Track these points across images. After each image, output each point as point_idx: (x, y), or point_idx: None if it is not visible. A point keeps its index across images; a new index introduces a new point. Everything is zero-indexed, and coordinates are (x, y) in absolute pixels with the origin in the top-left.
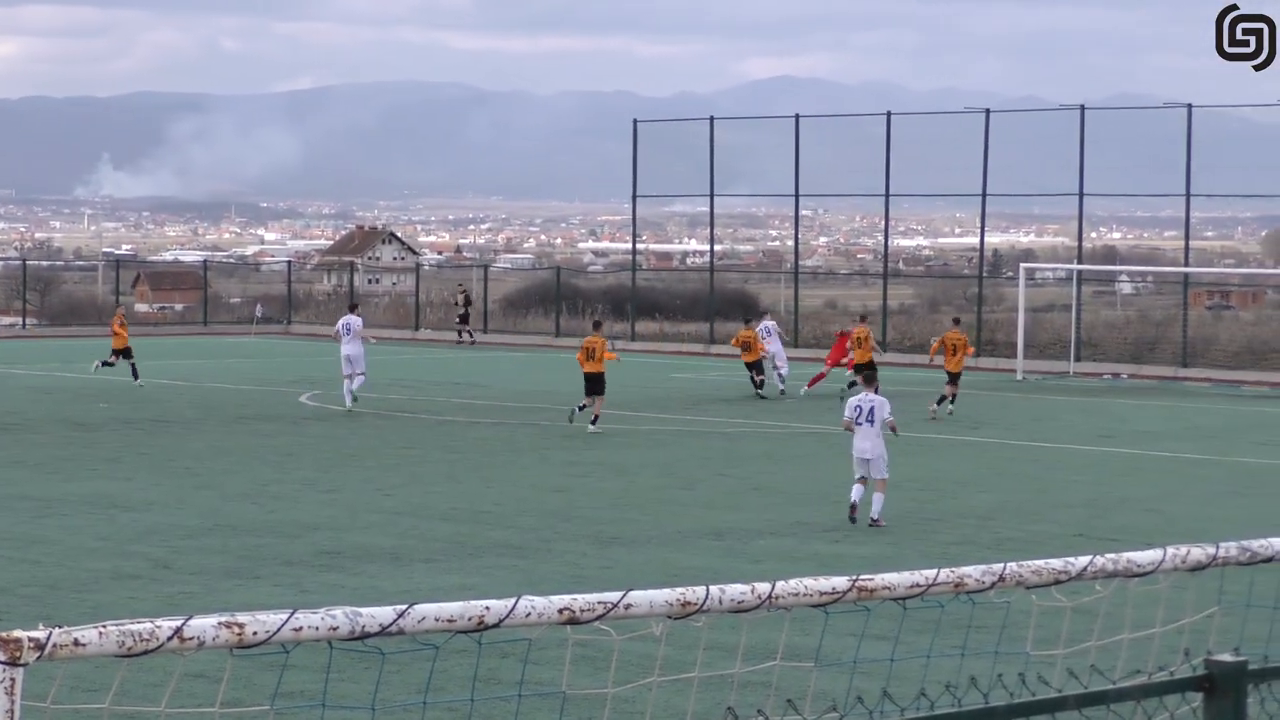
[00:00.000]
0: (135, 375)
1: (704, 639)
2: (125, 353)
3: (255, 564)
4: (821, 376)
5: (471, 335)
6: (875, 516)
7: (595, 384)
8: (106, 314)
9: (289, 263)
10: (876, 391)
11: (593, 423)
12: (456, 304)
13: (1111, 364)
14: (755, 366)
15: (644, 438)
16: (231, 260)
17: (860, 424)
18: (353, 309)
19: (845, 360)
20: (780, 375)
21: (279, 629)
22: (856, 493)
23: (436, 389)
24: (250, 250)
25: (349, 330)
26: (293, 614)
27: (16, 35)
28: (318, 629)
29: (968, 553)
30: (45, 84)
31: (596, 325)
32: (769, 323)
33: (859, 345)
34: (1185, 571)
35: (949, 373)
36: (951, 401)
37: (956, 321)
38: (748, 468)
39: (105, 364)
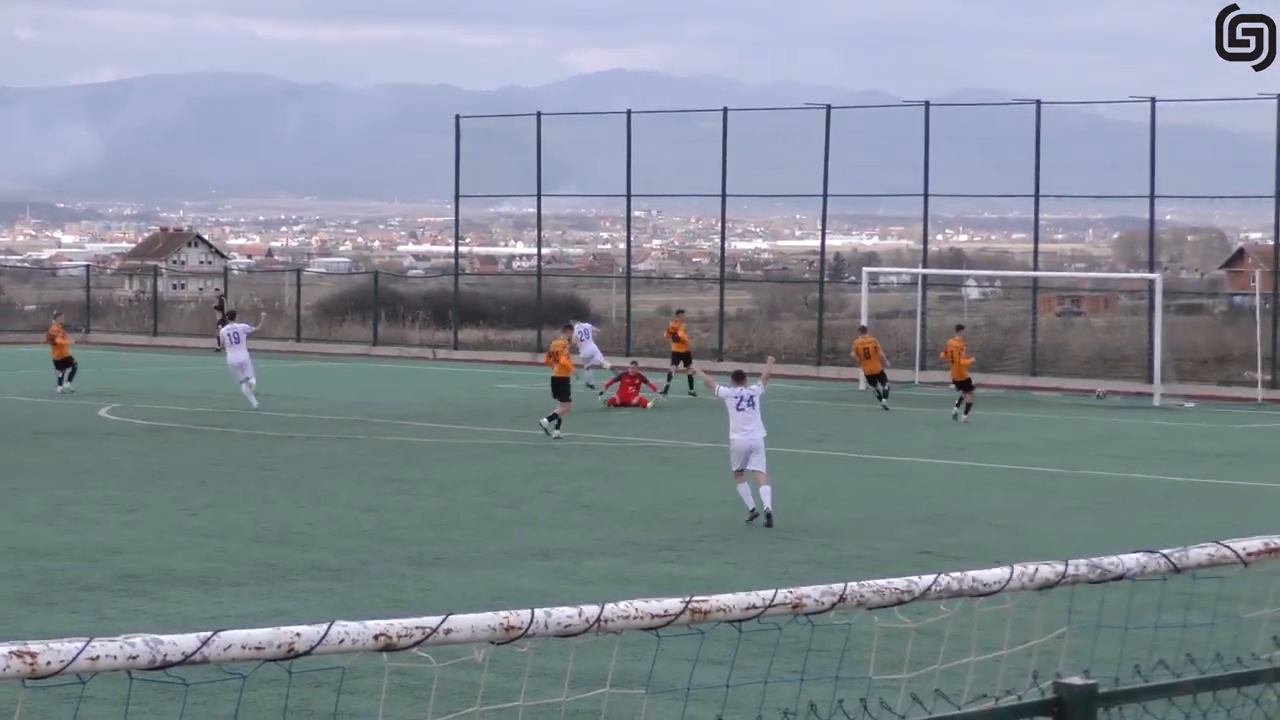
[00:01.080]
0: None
1: (530, 665)
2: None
3: (50, 589)
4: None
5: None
6: (770, 508)
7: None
8: None
9: (88, 267)
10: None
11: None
12: (217, 308)
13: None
14: (879, 377)
15: (466, 452)
16: (26, 264)
17: (742, 409)
18: (232, 316)
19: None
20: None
21: (74, 658)
22: (747, 493)
23: (245, 401)
24: (46, 254)
25: (238, 339)
26: (89, 642)
27: None
28: (116, 658)
29: (810, 572)
30: None
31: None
32: (587, 324)
33: (866, 356)
34: (1034, 590)
35: (956, 382)
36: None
37: (959, 329)
38: (575, 484)
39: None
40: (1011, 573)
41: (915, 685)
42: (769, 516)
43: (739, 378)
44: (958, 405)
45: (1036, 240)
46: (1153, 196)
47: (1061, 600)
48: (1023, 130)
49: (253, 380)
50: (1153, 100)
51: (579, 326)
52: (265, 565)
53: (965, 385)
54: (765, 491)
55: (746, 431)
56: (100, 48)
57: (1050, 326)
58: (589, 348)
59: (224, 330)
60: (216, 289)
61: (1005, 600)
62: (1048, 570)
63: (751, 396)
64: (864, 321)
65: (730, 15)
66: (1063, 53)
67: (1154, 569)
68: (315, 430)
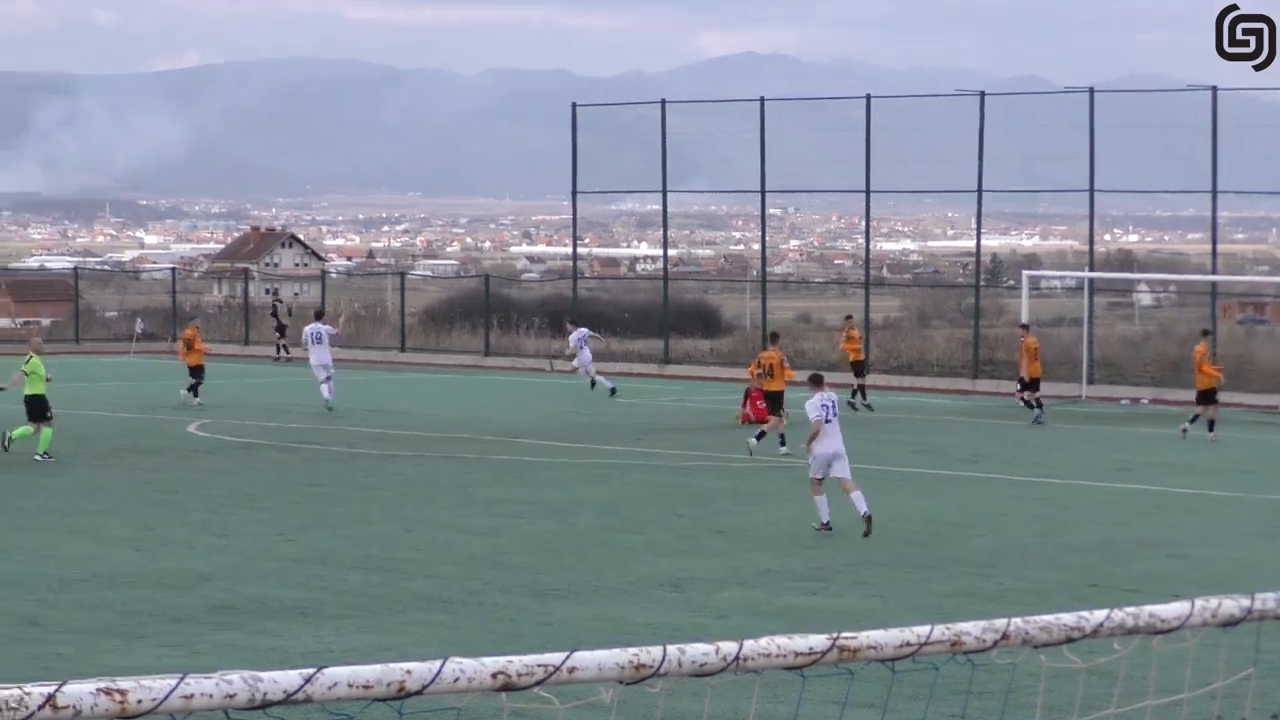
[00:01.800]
0: None
1: (662, 707)
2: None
3: (138, 621)
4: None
5: (288, 350)
6: (869, 511)
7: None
8: None
9: (173, 270)
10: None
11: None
12: (273, 314)
13: (1129, 387)
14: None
15: (585, 471)
16: (107, 267)
17: (830, 420)
18: (319, 316)
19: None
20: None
21: (167, 696)
22: (824, 507)
23: (345, 416)
24: (128, 255)
25: (319, 339)
26: (183, 679)
27: None
28: (212, 696)
29: (965, 605)
30: None
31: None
32: (584, 330)
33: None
34: (1216, 627)
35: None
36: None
37: (1205, 333)
38: (706, 506)
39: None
40: (1192, 607)
41: None
42: (869, 518)
43: (817, 381)
44: (1190, 422)
45: (1215, 240)
46: None
47: (1247, 638)
48: (1197, 119)
49: (332, 382)
50: None
51: (577, 333)
52: (368, 595)
53: (1208, 397)
54: (861, 497)
55: (834, 447)
56: (183, 31)
57: (1231, 336)
58: (585, 355)
59: (307, 329)
60: (272, 291)
61: (1185, 638)
62: (1232, 605)
63: (833, 405)
64: (1024, 320)
65: None
66: None
67: None
68: (421, 448)
